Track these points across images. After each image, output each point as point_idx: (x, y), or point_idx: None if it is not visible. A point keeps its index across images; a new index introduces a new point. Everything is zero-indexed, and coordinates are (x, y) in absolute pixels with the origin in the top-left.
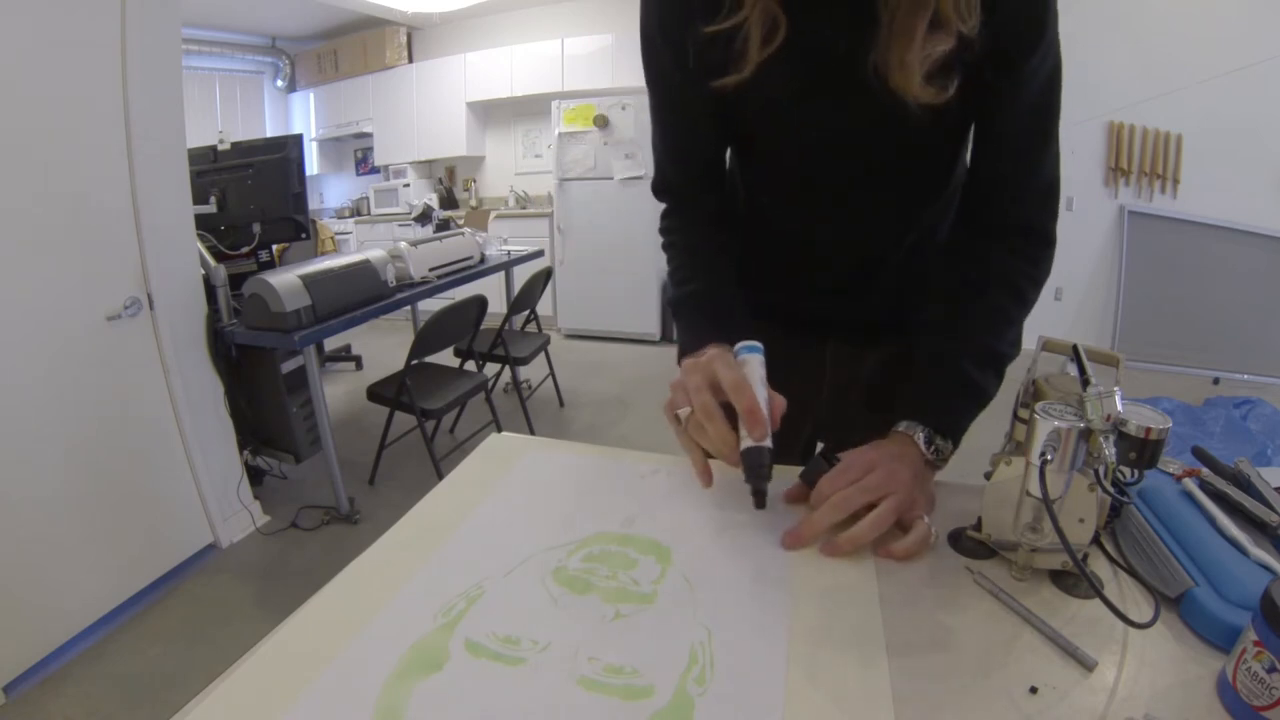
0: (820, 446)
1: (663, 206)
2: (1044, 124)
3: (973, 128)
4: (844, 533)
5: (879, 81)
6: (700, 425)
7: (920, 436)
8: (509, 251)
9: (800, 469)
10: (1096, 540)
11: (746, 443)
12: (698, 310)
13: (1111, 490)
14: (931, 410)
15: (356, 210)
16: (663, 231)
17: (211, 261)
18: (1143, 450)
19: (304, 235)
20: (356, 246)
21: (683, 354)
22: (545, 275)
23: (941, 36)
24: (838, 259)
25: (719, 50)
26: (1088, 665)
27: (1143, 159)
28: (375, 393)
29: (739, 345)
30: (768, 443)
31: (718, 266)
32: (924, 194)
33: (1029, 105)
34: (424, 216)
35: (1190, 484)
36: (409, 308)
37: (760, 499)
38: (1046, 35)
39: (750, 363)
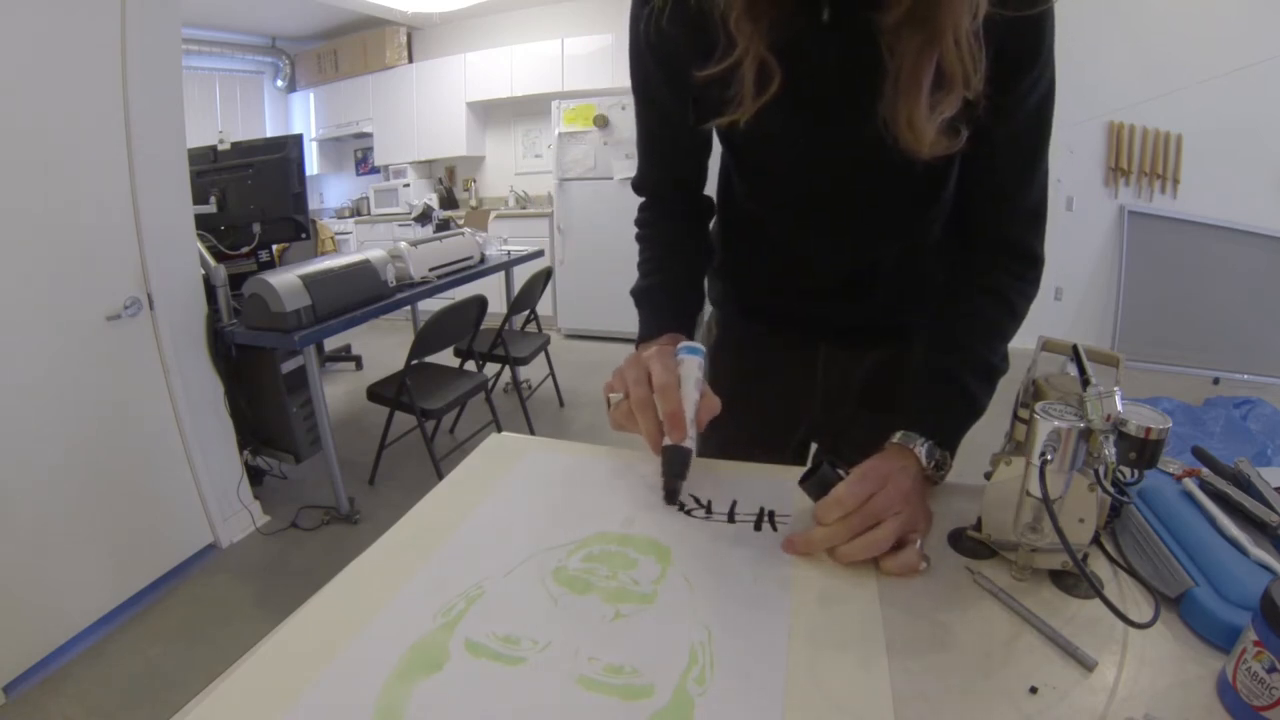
0: (815, 448)
1: (641, 200)
2: (1035, 144)
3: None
4: (840, 548)
5: (888, 134)
6: (629, 413)
7: (922, 449)
8: (509, 251)
9: (791, 467)
10: (1096, 540)
11: (668, 440)
12: (660, 301)
13: (1111, 490)
14: (932, 422)
15: (356, 210)
16: (638, 224)
17: (211, 261)
18: (1143, 450)
19: (304, 235)
20: (356, 246)
21: (640, 341)
22: (545, 275)
23: (947, 97)
24: (830, 264)
25: (715, 90)
26: (1088, 665)
27: (1143, 159)
28: (375, 393)
29: (680, 345)
30: (688, 444)
31: (685, 265)
32: (917, 206)
33: (1022, 126)
34: (424, 216)
35: (1190, 484)
36: (409, 308)
37: (671, 496)
38: (1042, 57)
39: (687, 364)
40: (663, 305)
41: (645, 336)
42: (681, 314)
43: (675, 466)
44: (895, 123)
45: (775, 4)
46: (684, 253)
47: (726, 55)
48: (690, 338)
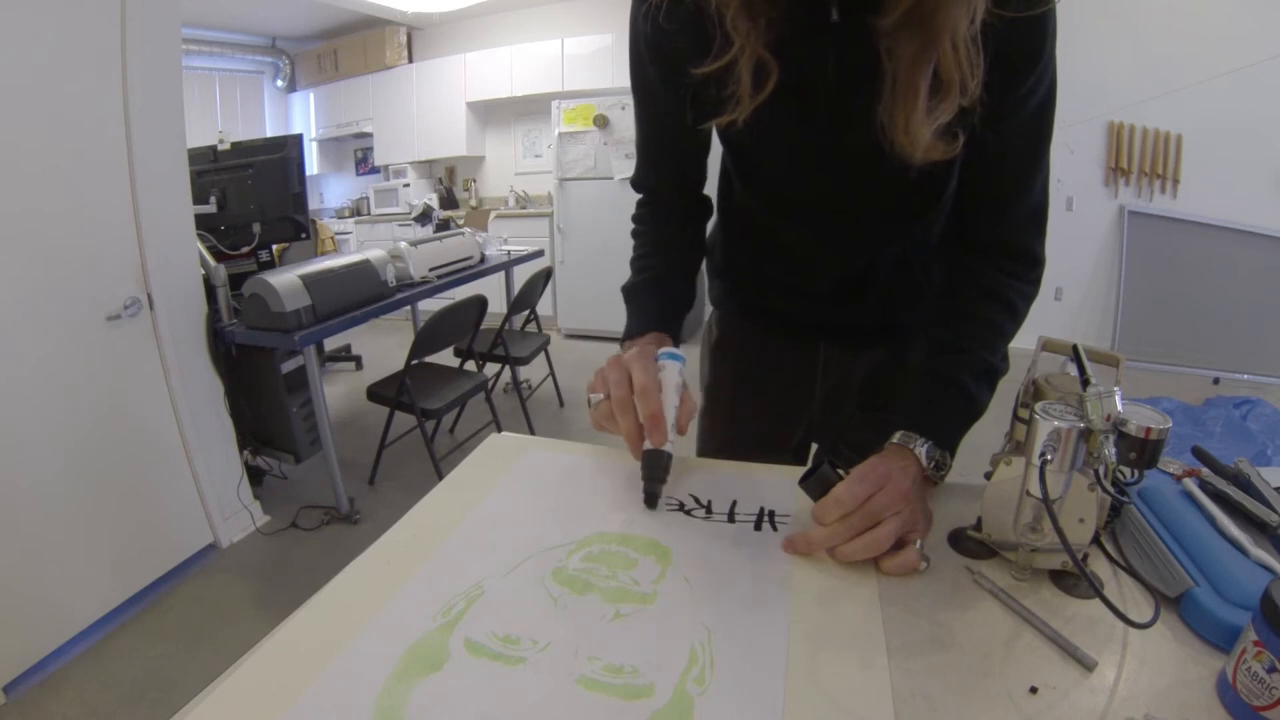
0: (815, 448)
1: (639, 196)
2: (1037, 145)
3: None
4: (840, 548)
5: (885, 138)
6: (609, 414)
7: (922, 450)
8: (509, 251)
9: (791, 467)
10: (1096, 540)
11: (648, 444)
12: (647, 300)
13: (1111, 490)
14: (932, 424)
15: (356, 210)
16: (634, 220)
17: (211, 261)
18: (1143, 450)
19: (304, 235)
20: (356, 246)
21: (625, 338)
22: (545, 275)
23: (943, 103)
24: (829, 265)
25: (711, 89)
26: (1088, 665)
27: (1143, 159)
28: (375, 393)
29: (661, 351)
30: (668, 447)
31: (676, 265)
32: (917, 208)
33: (1023, 127)
34: (424, 216)
35: (1190, 484)
36: (409, 308)
37: (651, 500)
38: (1043, 58)
39: (668, 369)
40: (650, 304)
41: (631, 333)
42: (668, 313)
43: (655, 470)
44: (892, 127)
45: (772, 3)
46: (676, 251)
47: (723, 53)
48: (676, 337)
